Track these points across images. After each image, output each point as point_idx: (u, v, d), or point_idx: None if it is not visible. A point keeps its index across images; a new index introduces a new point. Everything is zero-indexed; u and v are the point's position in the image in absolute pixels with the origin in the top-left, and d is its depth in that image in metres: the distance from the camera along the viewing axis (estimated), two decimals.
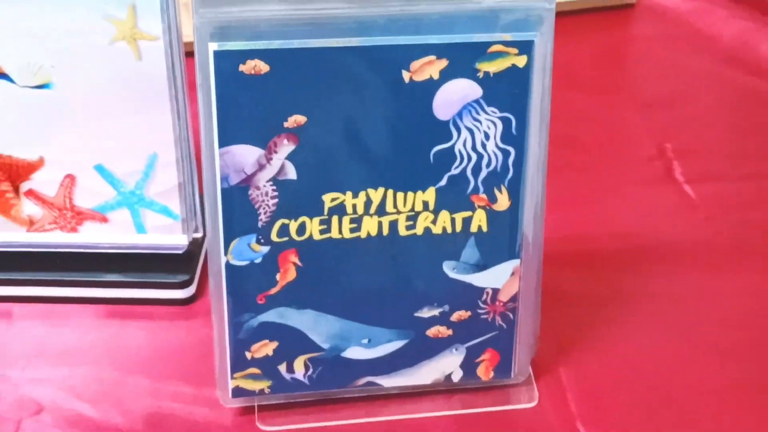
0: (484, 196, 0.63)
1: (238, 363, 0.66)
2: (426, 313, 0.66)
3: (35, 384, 0.70)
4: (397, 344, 0.67)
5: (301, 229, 0.63)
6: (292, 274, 0.64)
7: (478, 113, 0.61)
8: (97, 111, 0.71)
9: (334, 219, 0.63)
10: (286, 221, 0.62)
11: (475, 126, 0.61)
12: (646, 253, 0.79)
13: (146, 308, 0.75)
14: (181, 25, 0.70)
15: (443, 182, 0.62)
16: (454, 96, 0.60)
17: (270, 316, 0.65)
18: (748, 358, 0.71)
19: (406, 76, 0.59)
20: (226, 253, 0.63)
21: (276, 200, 0.62)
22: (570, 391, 0.69)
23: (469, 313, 0.66)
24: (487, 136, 0.61)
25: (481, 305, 0.66)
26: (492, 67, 0.60)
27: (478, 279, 0.65)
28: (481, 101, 0.60)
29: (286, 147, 0.60)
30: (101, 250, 0.75)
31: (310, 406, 0.68)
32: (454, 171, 0.62)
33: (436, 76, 0.60)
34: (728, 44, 0.98)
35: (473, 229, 0.64)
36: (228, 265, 0.63)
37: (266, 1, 0.58)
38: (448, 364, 0.68)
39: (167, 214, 0.74)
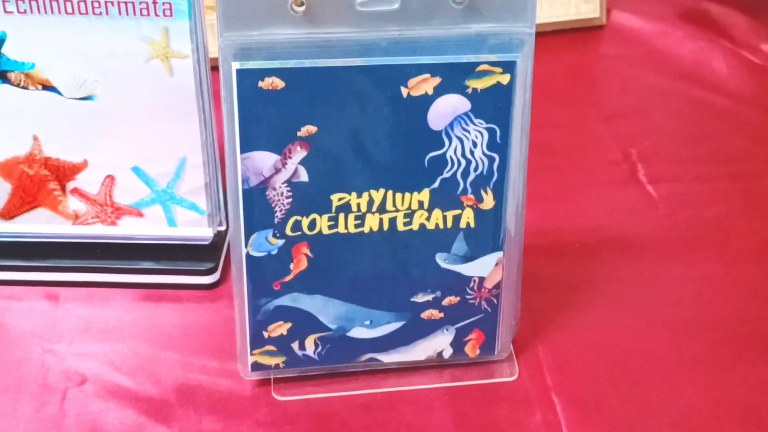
0: (471, 196, 0.63)
1: (257, 341, 0.66)
2: (421, 298, 0.66)
3: (79, 358, 0.70)
4: (396, 325, 0.67)
5: (312, 224, 0.63)
6: (303, 264, 0.64)
7: (467, 124, 0.61)
8: (134, 120, 0.71)
9: (341, 216, 0.63)
10: (298, 218, 0.62)
11: (464, 135, 0.61)
12: (612, 245, 0.79)
13: (176, 292, 0.75)
14: (207, 44, 0.70)
15: (436, 184, 0.62)
16: (446, 109, 0.60)
17: (284, 300, 0.65)
18: (697, 335, 0.72)
19: (404, 91, 0.59)
20: (246, 246, 0.63)
21: (290, 200, 0.62)
22: (546, 366, 0.69)
23: (458, 298, 0.66)
24: (474, 144, 0.61)
25: (469, 291, 0.66)
26: (479, 84, 0.60)
27: (466, 269, 0.65)
28: (470, 114, 0.60)
29: (299, 153, 0.60)
30: (137, 241, 0.75)
31: (319, 379, 0.68)
32: (446, 174, 0.62)
33: (430, 92, 0.59)
34: (685, 62, 0.98)
35: (462, 225, 0.64)
36: (248, 256, 0.63)
37: (282, 25, 0.58)
38: (439, 343, 0.68)
39: (195, 210, 0.74)
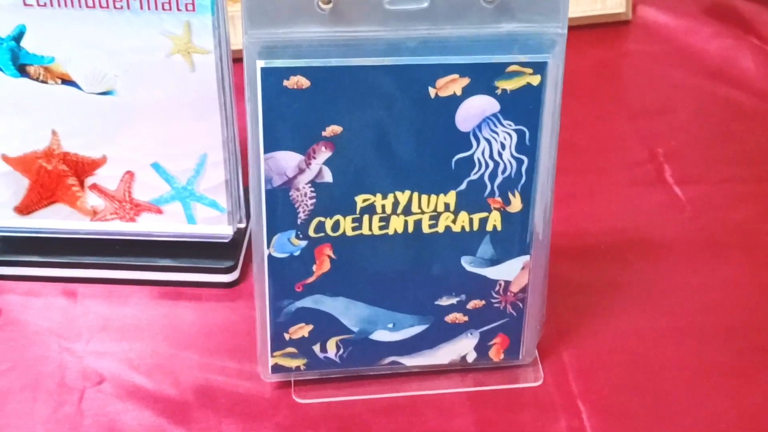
0: (499, 199, 0.62)
1: (278, 343, 0.65)
2: (445, 301, 0.65)
3: (97, 357, 0.70)
4: (419, 328, 0.66)
5: (336, 226, 0.62)
6: (326, 266, 0.63)
7: (495, 126, 0.60)
8: (154, 115, 0.70)
9: (365, 218, 0.62)
10: (322, 219, 0.61)
11: (492, 137, 0.60)
12: (638, 247, 0.78)
13: (195, 290, 0.74)
14: (230, 39, 0.69)
15: (463, 186, 0.61)
16: (474, 110, 0.59)
17: (306, 302, 0.64)
18: (724, 341, 0.71)
19: (432, 92, 0.58)
20: (268, 247, 0.62)
21: (314, 200, 0.61)
22: (571, 371, 0.68)
23: (483, 302, 0.65)
24: (503, 146, 0.60)
25: (494, 295, 0.65)
26: (509, 84, 0.59)
27: (492, 272, 0.64)
28: (499, 115, 0.59)
29: (323, 153, 0.59)
30: (156, 238, 0.74)
31: (340, 381, 0.67)
32: (473, 177, 0.61)
33: (459, 93, 0.58)
34: (712, 59, 0.97)
35: (489, 228, 0.63)
36: (270, 257, 0.62)
37: (308, 23, 0.57)
38: (463, 347, 0.67)
39: (215, 207, 0.73)
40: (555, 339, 0.70)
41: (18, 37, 0.68)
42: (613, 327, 0.71)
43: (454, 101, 0.59)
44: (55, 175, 0.73)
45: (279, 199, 0.60)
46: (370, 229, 0.62)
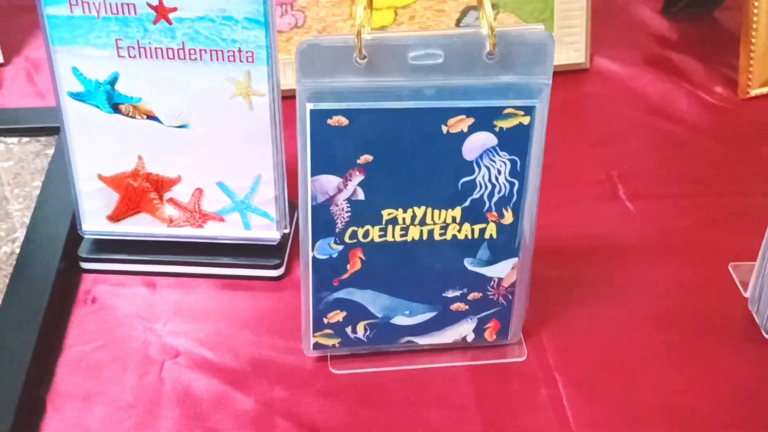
0: (495, 213, 0.62)
1: (318, 326, 0.65)
2: (450, 293, 0.65)
3: (173, 335, 0.69)
4: (429, 315, 0.66)
5: (366, 234, 0.61)
6: (358, 265, 0.63)
7: (493, 156, 0.60)
8: (219, 144, 0.70)
9: (389, 227, 0.61)
10: (355, 228, 0.61)
11: (491, 165, 0.60)
12: (600, 250, 0.77)
13: (249, 283, 0.74)
14: (280, 83, 0.68)
15: (467, 203, 0.61)
16: (477, 143, 0.59)
17: (341, 294, 0.64)
18: (670, 324, 0.70)
19: (444, 129, 0.58)
20: (312, 250, 0.62)
21: (349, 214, 0.61)
22: (548, 349, 0.68)
23: (480, 294, 0.65)
24: (499, 172, 0.60)
25: (489, 289, 0.65)
26: (505, 123, 0.59)
27: (488, 271, 0.64)
28: (497, 147, 0.59)
29: (357, 177, 0.59)
30: (219, 241, 0.74)
31: (366, 356, 0.67)
32: (475, 196, 0.61)
33: (465, 130, 0.58)
34: (654, 100, 0.96)
35: (486, 236, 0.62)
36: (314, 258, 0.62)
37: (347, 74, 0.56)
38: (464, 329, 0.67)
39: (266, 217, 0.73)
40: (536, 323, 0.70)
41: (113, 81, 0.68)
42: (583, 314, 0.71)
43: (462, 136, 0.59)
44: (139, 191, 0.72)
45: (321, 213, 0.60)
46: (393, 236, 0.62)
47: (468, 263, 0.64)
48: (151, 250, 0.74)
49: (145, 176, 0.72)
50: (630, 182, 0.85)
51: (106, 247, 0.74)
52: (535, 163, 0.60)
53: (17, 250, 0.73)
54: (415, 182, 0.60)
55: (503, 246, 0.63)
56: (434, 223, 0.62)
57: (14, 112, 0.91)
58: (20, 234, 0.76)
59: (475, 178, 0.60)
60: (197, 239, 0.74)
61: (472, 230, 0.62)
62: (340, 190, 0.60)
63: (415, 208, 0.61)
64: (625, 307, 0.72)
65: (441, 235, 0.62)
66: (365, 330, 0.66)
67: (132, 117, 0.69)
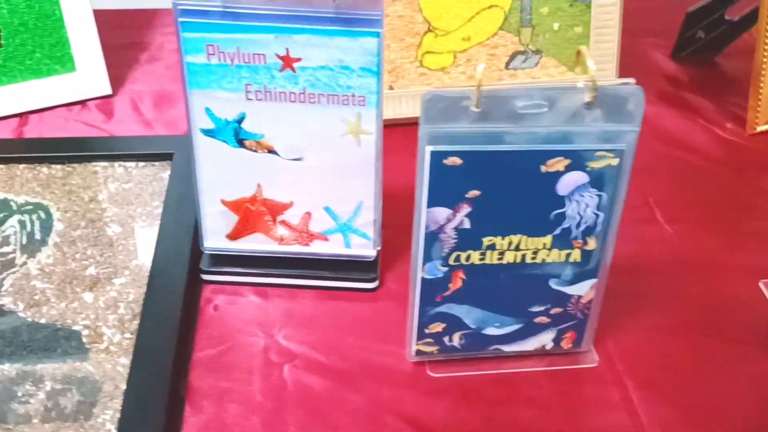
0: (581, 241, 0.60)
1: (420, 335, 0.63)
2: (536, 308, 0.63)
3: (288, 340, 0.67)
4: (516, 326, 0.64)
5: (468, 257, 0.59)
6: (459, 284, 0.61)
7: (583, 192, 0.57)
8: (329, 175, 0.67)
9: (488, 252, 0.59)
10: (459, 253, 0.59)
11: (581, 199, 0.58)
12: (647, 266, 0.75)
13: (349, 294, 0.71)
14: (382, 124, 0.66)
15: (557, 232, 0.59)
16: (570, 181, 0.57)
17: (442, 308, 0.62)
18: (714, 333, 0.68)
19: (542, 168, 0.56)
20: (422, 271, 0.59)
21: (455, 240, 0.58)
22: (615, 356, 0.66)
23: (561, 309, 0.63)
24: (587, 206, 0.58)
25: (569, 305, 0.63)
26: (597, 164, 0.56)
27: (570, 290, 0.62)
28: (587, 184, 0.57)
29: (465, 209, 0.57)
30: (324, 257, 0.71)
31: (460, 362, 0.65)
32: (564, 225, 0.59)
33: (561, 169, 0.56)
34: (675, 134, 0.94)
35: (571, 260, 0.60)
36: (422, 279, 0.60)
37: (461, 122, 0.54)
38: (544, 339, 0.65)
39: (365, 237, 0.71)
40: (604, 334, 0.68)
41: (240, 120, 0.65)
42: (638, 324, 0.69)
43: (558, 175, 0.57)
44: (256, 214, 0.70)
45: (432, 239, 0.58)
46: (491, 260, 0.60)
47: (553, 283, 0.62)
48: (264, 264, 0.72)
49: (262, 201, 0.69)
50: (664, 207, 0.83)
51: (225, 261, 0.72)
52: (620, 198, 0.58)
53: (148, 264, 0.71)
54: (514, 213, 0.58)
55: (585, 269, 0.61)
56: (527, 249, 0.60)
57: (130, 140, 0.89)
58: (146, 250, 0.73)
59: (565, 211, 0.58)
60: (304, 256, 0.72)
61: (559, 255, 0.60)
62: (449, 220, 0.58)
63: (512, 236, 0.59)
64: (673, 318, 0.70)
65: (532, 258, 0.60)
66: (460, 339, 0.64)
67: (254, 151, 0.67)
